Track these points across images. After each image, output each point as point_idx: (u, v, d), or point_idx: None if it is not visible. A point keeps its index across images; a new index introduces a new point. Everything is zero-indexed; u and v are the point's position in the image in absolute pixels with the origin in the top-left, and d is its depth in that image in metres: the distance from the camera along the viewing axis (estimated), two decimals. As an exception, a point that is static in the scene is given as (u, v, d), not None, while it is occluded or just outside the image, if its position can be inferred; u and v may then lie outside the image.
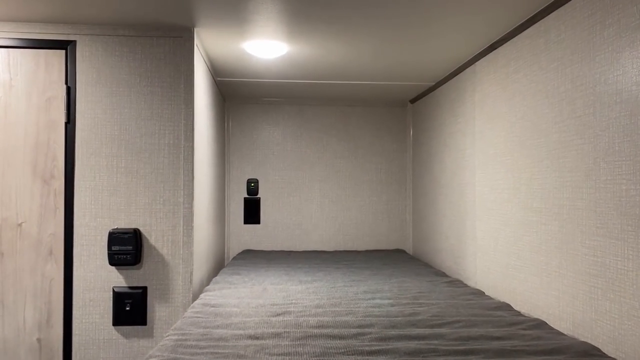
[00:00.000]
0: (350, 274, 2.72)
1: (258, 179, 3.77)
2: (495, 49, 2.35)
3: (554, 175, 1.87)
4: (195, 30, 2.21)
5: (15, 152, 2.14)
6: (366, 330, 1.62)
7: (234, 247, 3.73)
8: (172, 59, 2.19)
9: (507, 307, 2.01)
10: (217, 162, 3.18)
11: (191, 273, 2.19)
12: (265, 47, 2.42)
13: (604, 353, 1.46)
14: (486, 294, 2.33)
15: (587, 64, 1.68)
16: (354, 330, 1.61)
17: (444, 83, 3.09)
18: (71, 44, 2.16)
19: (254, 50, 2.46)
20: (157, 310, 2.18)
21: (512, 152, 2.20)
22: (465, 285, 2.49)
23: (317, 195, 3.80)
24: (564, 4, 1.80)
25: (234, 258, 3.34)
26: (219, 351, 1.40)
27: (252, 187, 3.75)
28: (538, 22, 1.99)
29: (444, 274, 2.80)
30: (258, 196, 3.77)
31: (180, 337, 1.54)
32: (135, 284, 2.17)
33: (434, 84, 3.24)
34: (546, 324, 1.76)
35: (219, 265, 3.35)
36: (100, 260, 2.15)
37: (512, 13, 2.00)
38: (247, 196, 3.76)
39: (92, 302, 2.16)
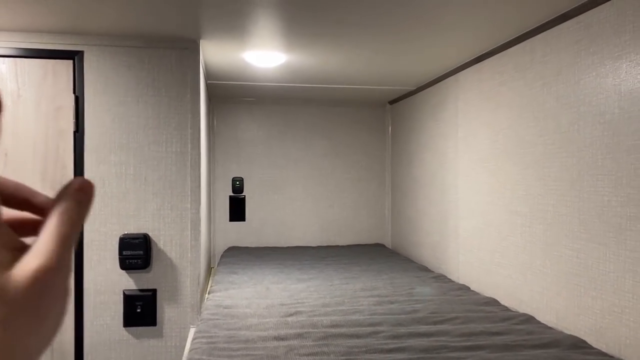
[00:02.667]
0: (341, 270, 2.88)
1: (243, 177, 3.86)
2: (481, 61, 2.53)
3: (539, 183, 2.06)
4: (201, 41, 2.29)
5: (25, 161, 2.18)
6: (378, 328, 1.77)
7: (219, 245, 3.82)
8: (178, 69, 2.27)
9: (495, 302, 2.21)
10: (206, 161, 3.26)
11: (199, 275, 2.29)
12: (264, 57, 2.52)
13: (591, 345, 1.67)
14: (471, 289, 2.53)
15: (572, 85, 1.87)
16: (367, 329, 1.76)
17: (425, 88, 3.27)
18: (79, 54, 2.21)
19: (253, 60, 2.56)
20: (166, 312, 2.27)
21: (497, 159, 2.39)
22: (451, 281, 2.68)
23: (300, 193, 3.93)
24: (550, 28, 1.99)
25: (223, 256, 3.44)
26: (253, 353, 1.53)
27: (237, 185, 3.85)
28: (524, 42, 2.17)
29: (427, 269, 2.99)
30: (243, 194, 3.87)
31: (209, 340, 1.66)
32: (145, 287, 2.26)
33: (414, 88, 3.41)
34: (534, 318, 1.97)
35: (208, 262, 3.44)
36: (111, 264, 2.23)
37: (500, 31, 2.17)
38: (232, 194, 3.86)
39: (103, 305, 2.23)
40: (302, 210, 3.93)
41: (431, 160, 3.17)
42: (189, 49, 2.28)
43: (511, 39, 2.23)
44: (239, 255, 3.36)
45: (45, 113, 2.19)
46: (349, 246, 3.84)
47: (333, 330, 1.75)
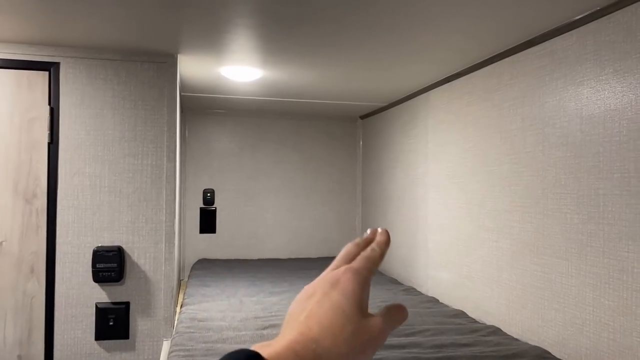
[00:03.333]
0: (313, 283, 2.91)
1: (214, 189, 3.87)
2: (450, 81, 2.62)
3: (506, 200, 2.16)
4: (178, 56, 2.31)
5: (-3, 172, 2.16)
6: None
7: (190, 257, 3.81)
8: (155, 83, 2.29)
9: (463, 314, 2.29)
10: (178, 173, 3.27)
11: (172, 288, 2.30)
12: (241, 72, 2.56)
13: (554, 355, 1.75)
14: (440, 301, 2.60)
15: (537, 108, 1.97)
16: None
17: (396, 105, 3.36)
18: (55, 65, 2.20)
19: (229, 74, 2.59)
20: (139, 325, 2.27)
21: (465, 176, 2.49)
22: (420, 293, 2.75)
23: (272, 205, 3.96)
24: (517, 53, 2.09)
25: (194, 268, 3.44)
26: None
27: (209, 197, 3.85)
28: (492, 64, 2.27)
29: (397, 282, 3.06)
30: (214, 206, 3.87)
31: (187, 353, 1.67)
32: (118, 300, 2.25)
33: (385, 104, 3.50)
34: (501, 330, 2.05)
35: (178, 275, 3.43)
36: (83, 277, 2.22)
37: (469, 54, 2.27)
38: (203, 206, 3.86)
39: (74, 318, 2.22)
40: (274, 223, 3.96)
41: (402, 175, 3.26)
42: (167, 63, 2.30)
43: (480, 61, 2.33)
44: (209, 268, 3.36)
45: (19, 124, 2.18)
46: (319, 259, 3.88)
47: (308, 342, 1.79)
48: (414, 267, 3.02)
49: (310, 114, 3.90)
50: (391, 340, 1.85)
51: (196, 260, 3.77)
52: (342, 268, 0.52)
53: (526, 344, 1.88)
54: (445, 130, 2.70)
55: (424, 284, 2.89)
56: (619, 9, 1.58)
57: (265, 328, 1.98)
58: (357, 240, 0.56)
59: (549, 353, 1.76)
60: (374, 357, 1.68)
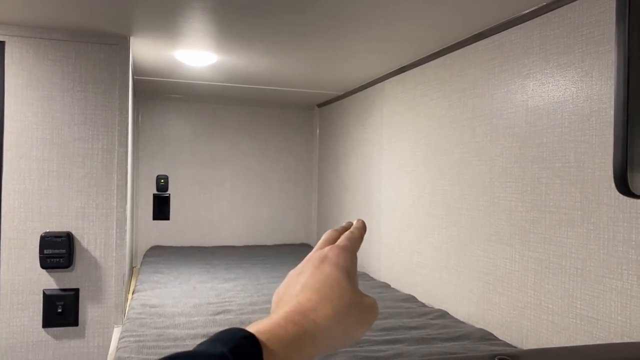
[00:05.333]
0: (268, 270, 2.93)
1: (168, 175, 3.82)
2: (404, 71, 2.67)
3: (455, 188, 2.22)
4: (131, 38, 2.27)
5: (-63, 154, 2.07)
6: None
7: (142, 244, 3.75)
8: (107, 65, 2.24)
9: (412, 299, 2.35)
10: (130, 158, 3.21)
11: (124, 275, 2.27)
12: (195, 56, 2.53)
13: (497, 337, 1.83)
14: (392, 286, 2.66)
15: (486, 99, 2.03)
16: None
17: (352, 94, 3.38)
18: (0, 44, 2.12)
19: (183, 58, 2.56)
20: (89, 312, 2.23)
21: (417, 165, 2.54)
22: (373, 279, 2.81)
23: (228, 192, 3.94)
24: (468, 45, 2.14)
25: (146, 255, 3.39)
26: (182, 350, 1.55)
27: (162, 184, 3.80)
28: (444, 56, 2.32)
29: (350, 268, 3.10)
30: (168, 193, 3.82)
31: (137, 338, 1.66)
32: (67, 286, 2.20)
33: (342, 93, 3.53)
34: (448, 313, 2.12)
35: (130, 262, 3.38)
36: (30, 263, 2.16)
37: (422, 45, 2.31)
38: (156, 192, 3.80)
39: (21, 305, 2.16)
40: (229, 210, 3.94)
41: (357, 164, 3.30)
42: (119, 45, 2.25)
43: (433, 52, 2.38)
44: (162, 255, 3.33)
45: (-39, 105, 2.09)
46: (275, 246, 3.90)
47: (261, 327, 1.80)
48: (368, 254, 3.07)
49: (266, 101, 3.89)
50: (342, 324, 1.89)
51: (149, 247, 3.71)
52: (327, 247, 0.53)
53: (472, 326, 1.96)
54: (399, 120, 2.74)
55: (377, 270, 2.95)
56: (565, 5, 1.65)
57: (218, 314, 1.98)
58: (336, 227, 0.59)
59: (493, 335, 1.83)
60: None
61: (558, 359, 1.10)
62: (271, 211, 4.04)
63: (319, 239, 3.57)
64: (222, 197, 3.93)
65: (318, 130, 4.12)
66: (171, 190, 3.83)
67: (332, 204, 3.76)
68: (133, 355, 1.50)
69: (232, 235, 3.94)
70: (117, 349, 1.59)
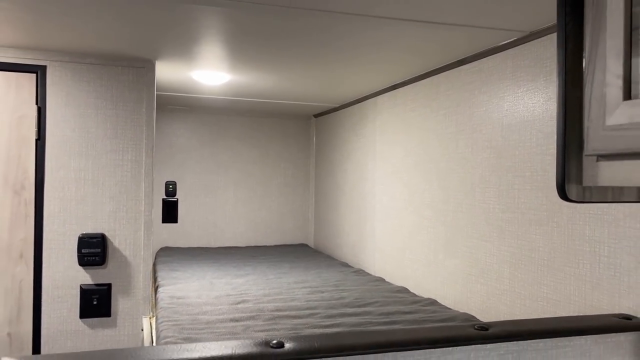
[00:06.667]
0: (273, 267, 3.23)
1: (176, 181, 4.10)
2: (396, 88, 2.99)
3: (441, 193, 2.55)
4: (156, 62, 2.56)
5: (-13, 165, 2.34)
6: (314, 311, 2.16)
7: (152, 245, 4.02)
8: (135, 86, 2.53)
9: (405, 290, 2.67)
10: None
11: (150, 271, 2.56)
12: (210, 76, 2.83)
13: (479, 319, 2.15)
14: (386, 280, 2.98)
15: (468, 116, 2.36)
16: (306, 312, 2.14)
17: (348, 106, 3.71)
18: (42, 68, 2.41)
19: (200, 78, 2.86)
20: (120, 304, 2.52)
21: (408, 172, 2.86)
22: (368, 274, 3.12)
23: (231, 197, 4.24)
24: (452, 69, 2.47)
25: (158, 255, 3.68)
26: (215, 331, 1.85)
27: (171, 189, 4.09)
28: (431, 77, 2.65)
29: (347, 265, 3.42)
30: (176, 197, 4.11)
31: (174, 323, 1.96)
32: (100, 282, 2.49)
33: (338, 105, 3.84)
34: (437, 302, 2.44)
35: (145, 261, 3.66)
36: (68, 261, 2.44)
37: (411, 68, 2.63)
38: (165, 197, 4.09)
39: (60, 299, 2.44)
40: (232, 213, 4.24)
41: (353, 171, 3.61)
42: (145, 68, 2.55)
43: (421, 73, 2.71)
44: (173, 255, 3.61)
45: (9, 121, 2.37)
46: (275, 246, 4.20)
47: (278, 313, 2.11)
48: (363, 252, 3.39)
49: (267, 112, 4.19)
50: (346, 310, 2.20)
51: (159, 248, 4.00)
52: None
53: (457, 311, 2.28)
54: (391, 132, 3.07)
55: (371, 266, 3.26)
56: (532, 40, 1.98)
57: (238, 303, 2.28)
58: None
59: (475, 317, 2.16)
60: (330, 321, 2.03)
61: (523, 324, 1.43)
62: (271, 214, 4.35)
63: (316, 239, 3.97)
64: (226, 201, 4.23)
65: (314, 139, 4.44)
66: (179, 195, 4.11)
67: (329, 207, 4.07)
68: (176, 334, 1.80)
69: (235, 236, 4.24)
70: (160, 331, 1.89)
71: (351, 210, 3.62)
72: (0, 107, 2.36)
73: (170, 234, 4.09)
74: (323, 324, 1.97)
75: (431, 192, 2.64)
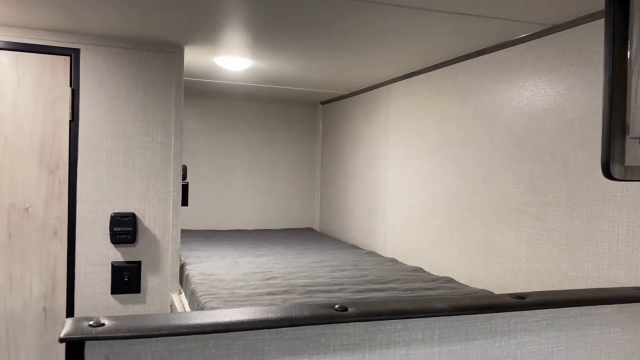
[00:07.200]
0: (289, 248, 3.34)
1: (187, 165, 4.17)
2: (412, 76, 3.10)
3: (457, 177, 2.67)
4: (185, 47, 2.64)
5: (23, 145, 2.41)
6: (343, 287, 2.28)
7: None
8: (164, 70, 2.61)
9: (420, 269, 2.80)
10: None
11: (178, 249, 2.65)
12: (233, 62, 2.91)
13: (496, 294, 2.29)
14: (399, 261, 3.11)
15: (487, 104, 2.48)
16: (335, 287, 2.26)
17: (358, 93, 3.81)
18: (75, 51, 2.47)
19: (223, 64, 2.94)
20: (149, 281, 2.61)
21: (423, 157, 2.99)
22: (381, 255, 3.25)
23: (239, 181, 4.33)
24: (470, 59, 2.59)
25: (172, 236, 3.76)
26: (256, 303, 1.96)
27: (182, 173, 4.15)
28: (449, 66, 2.76)
29: (358, 247, 3.55)
30: (187, 181, 4.17)
31: (214, 295, 2.06)
32: (131, 259, 2.58)
33: (348, 93, 3.95)
34: (453, 279, 2.57)
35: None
36: (100, 239, 2.52)
37: (428, 58, 2.74)
38: (176, 180, 4.15)
39: (93, 275, 2.52)
40: (241, 197, 4.34)
41: (363, 156, 3.73)
42: (175, 52, 2.62)
43: (438, 63, 2.82)
44: (188, 237, 3.70)
45: (43, 103, 2.43)
46: (282, 230, 4.31)
47: (309, 288, 2.23)
48: (373, 235, 3.52)
49: (274, 98, 4.28)
50: (371, 286, 2.33)
51: (170, 230, 4.07)
52: None
53: (475, 288, 2.42)
54: (405, 119, 3.18)
55: (382, 248, 3.39)
56: (554, 33, 2.10)
57: (268, 279, 2.39)
58: None
59: (493, 292, 2.30)
60: (360, 295, 2.15)
61: (556, 294, 1.56)
62: (278, 198, 4.45)
63: (321, 223, 4.11)
64: (235, 185, 4.32)
65: (321, 125, 4.54)
66: (189, 179, 4.18)
67: (337, 192, 4.18)
68: (220, 305, 1.91)
69: (244, 219, 4.34)
70: (203, 303, 1.99)
71: (361, 195, 3.74)
72: (36, 89, 2.42)
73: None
74: (355, 297, 2.10)
75: (447, 177, 2.76)
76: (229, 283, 2.29)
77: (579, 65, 1.98)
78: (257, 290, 2.16)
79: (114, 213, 2.52)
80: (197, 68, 3.11)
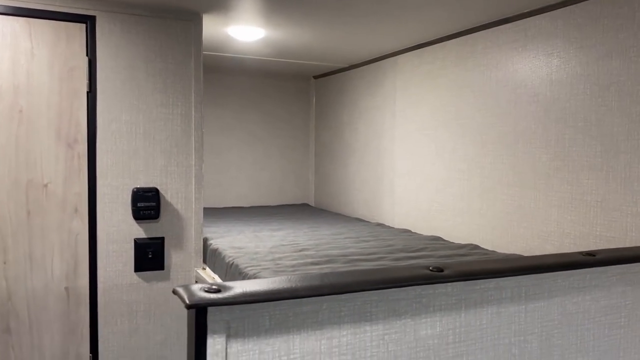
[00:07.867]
0: (299, 222, 3.32)
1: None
2: (422, 47, 3.11)
3: (477, 146, 2.71)
4: (203, 15, 2.55)
5: (39, 118, 2.28)
6: (379, 255, 2.28)
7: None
8: (183, 39, 2.51)
9: (440, 238, 2.84)
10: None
11: (201, 225, 2.59)
12: (246, 31, 2.83)
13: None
14: (412, 231, 3.14)
15: (510, 73, 2.51)
16: (372, 256, 2.26)
17: (358, 67, 3.79)
18: (91, 18, 2.34)
19: (235, 34, 2.86)
20: (173, 257, 2.54)
21: (437, 128, 3.01)
22: (391, 227, 3.28)
23: (235, 158, 4.26)
24: (490, 28, 2.61)
25: (172, 214, 3.67)
26: (309, 272, 1.94)
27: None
28: (465, 36, 2.78)
29: (363, 220, 3.56)
30: (181, 158, 4.07)
31: (263, 267, 2.03)
32: (154, 235, 2.50)
33: (346, 66, 3.92)
34: (479, 246, 2.62)
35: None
36: (122, 215, 2.44)
37: (442, 27, 2.73)
38: (170, 158, 4.04)
39: (115, 253, 2.44)
40: (237, 174, 4.27)
41: (365, 130, 3.72)
42: (193, 21, 2.53)
43: (453, 32, 2.83)
44: (189, 214, 3.62)
45: (59, 73, 2.31)
46: (278, 206, 4.28)
47: (349, 257, 2.22)
48: (379, 207, 3.54)
49: (267, 72, 4.20)
50: (406, 254, 2.35)
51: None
52: None
53: (502, 253, 2.48)
54: (415, 90, 3.19)
55: (390, 220, 3.42)
56: (585, 0, 2.14)
57: (300, 250, 2.37)
58: None
59: (523, 255, 2.36)
60: (403, 262, 2.14)
61: (624, 251, 1.62)
62: (273, 175, 4.41)
63: (316, 198, 4.10)
64: (230, 161, 4.24)
65: (314, 100, 4.50)
66: (183, 156, 4.08)
67: (335, 167, 4.17)
68: (272, 275, 1.88)
69: (239, 196, 4.28)
70: (252, 274, 1.95)
71: (365, 169, 3.74)
72: (51, 58, 2.29)
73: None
74: (395, 264, 2.11)
75: (464, 147, 2.80)
76: (265, 255, 2.26)
77: (617, 31, 2.03)
78: (298, 261, 2.14)
79: (136, 188, 2.44)
80: (210, 40, 3.01)
